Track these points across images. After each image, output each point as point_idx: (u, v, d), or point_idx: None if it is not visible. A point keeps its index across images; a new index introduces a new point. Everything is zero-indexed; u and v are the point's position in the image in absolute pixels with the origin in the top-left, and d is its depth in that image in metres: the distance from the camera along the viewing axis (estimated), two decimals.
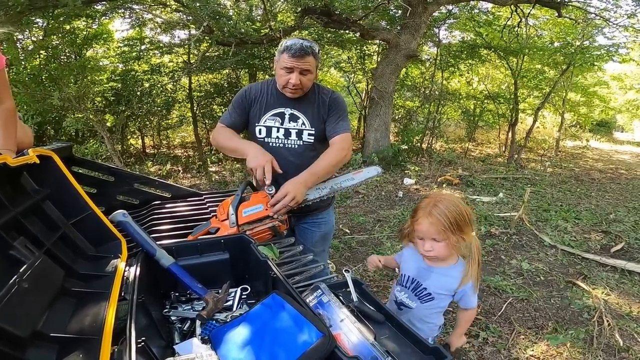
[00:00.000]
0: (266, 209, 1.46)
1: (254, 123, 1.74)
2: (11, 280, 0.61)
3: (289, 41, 1.59)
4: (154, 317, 0.87)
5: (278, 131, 1.71)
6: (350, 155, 1.76)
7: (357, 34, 7.05)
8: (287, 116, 1.71)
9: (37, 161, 0.86)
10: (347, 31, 7.14)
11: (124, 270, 0.89)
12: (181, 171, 6.70)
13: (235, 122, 1.76)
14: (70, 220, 0.93)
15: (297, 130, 1.71)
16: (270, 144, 1.73)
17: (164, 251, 1.05)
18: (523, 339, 2.44)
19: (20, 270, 0.65)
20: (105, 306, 0.69)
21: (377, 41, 7.78)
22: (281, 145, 1.73)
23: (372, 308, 1.11)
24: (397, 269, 1.57)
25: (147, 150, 8.35)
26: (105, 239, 1.01)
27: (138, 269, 0.88)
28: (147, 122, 8.06)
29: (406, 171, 6.74)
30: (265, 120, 1.72)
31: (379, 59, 8.34)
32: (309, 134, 1.72)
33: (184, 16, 5.93)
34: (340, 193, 1.80)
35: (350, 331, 0.92)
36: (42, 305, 0.66)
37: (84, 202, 0.98)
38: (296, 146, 1.73)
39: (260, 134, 1.73)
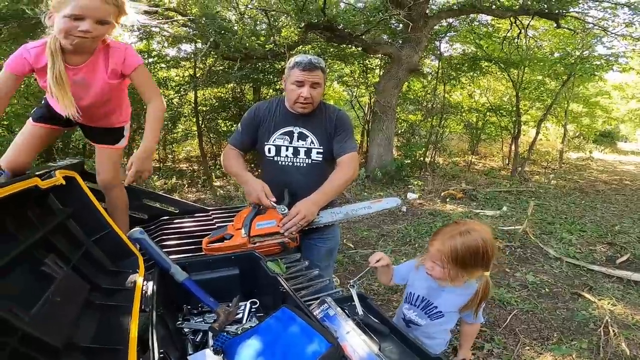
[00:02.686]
0: (278, 225, 1.52)
1: (263, 142, 1.78)
2: (45, 295, 0.66)
3: (298, 57, 1.66)
4: (170, 329, 0.91)
5: (287, 150, 1.75)
6: (358, 172, 1.81)
7: (360, 49, 7.16)
8: (295, 135, 1.75)
9: (64, 182, 0.92)
10: (349, 45, 7.25)
11: (143, 285, 0.94)
12: (186, 185, 6.73)
13: (244, 142, 1.82)
14: (91, 237, 0.99)
15: (305, 149, 1.75)
16: (280, 162, 1.77)
17: (178, 267, 1.10)
18: (528, 350, 2.44)
19: (52, 285, 0.70)
20: (128, 319, 0.74)
21: (380, 55, 7.89)
22: (290, 163, 1.76)
23: (377, 321, 1.15)
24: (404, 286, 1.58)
25: (153, 164, 8.40)
26: (124, 255, 1.07)
27: (155, 284, 0.93)
28: None
29: (410, 186, 6.76)
30: (275, 139, 1.76)
31: (381, 72, 8.43)
32: (318, 153, 1.76)
33: (191, 30, 6.06)
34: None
35: (356, 343, 0.96)
36: (72, 318, 0.71)
37: (104, 220, 1.03)
38: (305, 165, 1.76)
39: (269, 152, 1.78)
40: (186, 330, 1.04)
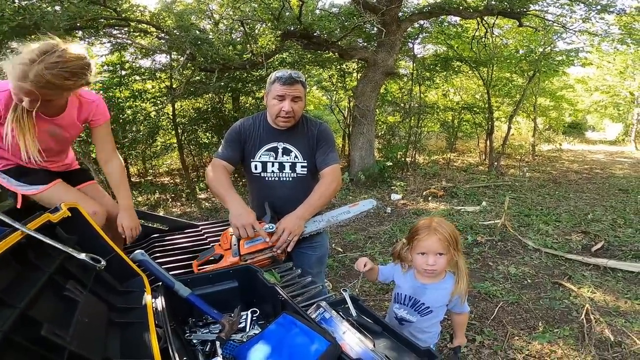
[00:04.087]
0: (266, 241, 1.58)
1: (249, 159, 1.83)
2: (75, 317, 0.73)
3: (279, 72, 1.72)
4: (183, 341, 0.98)
5: (273, 165, 1.81)
6: (341, 184, 1.88)
7: (336, 54, 7.28)
8: (280, 150, 1.81)
9: (70, 214, 0.98)
10: (326, 51, 7.36)
11: (152, 302, 1.01)
12: (170, 200, 6.66)
13: (231, 156, 1.84)
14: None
15: (290, 164, 1.81)
16: (266, 178, 1.83)
17: (181, 283, 1.17)
18: (517, 339, 2.54)
19: (78, 308, 0.77)
20: (147, 334, 0.81)
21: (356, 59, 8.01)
22: (276, 178, 1.82)
23: (370, 321, 1.24)
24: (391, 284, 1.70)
25: (133, 179, 8.27)
26: (128, 276, 1.13)
27: (164, 300, 1.00)
28: (132, 151, 7.99)
29: (392, 187, 6.88)
30: (260, 156, 1.82)
31: (358, 75, 8.57)
32: (302, 167, 1.82)
33: (164, 42, 5.99)
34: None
35: (352, 341, 1.05)
36: (100, 336, 0.77)
37: (108, 245, 1.10)
38: (290, 179, 1.82)
39: (256, 169, 1.83)
40: (195, 341, 1.11)
